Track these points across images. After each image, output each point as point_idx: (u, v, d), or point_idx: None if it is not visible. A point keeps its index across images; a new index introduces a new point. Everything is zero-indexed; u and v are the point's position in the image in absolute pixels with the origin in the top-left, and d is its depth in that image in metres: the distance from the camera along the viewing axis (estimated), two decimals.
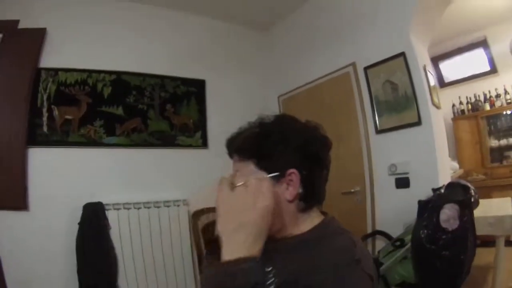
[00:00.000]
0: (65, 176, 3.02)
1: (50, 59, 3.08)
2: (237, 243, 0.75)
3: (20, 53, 2.99)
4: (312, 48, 3.72)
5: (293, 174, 0.87)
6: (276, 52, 4.29)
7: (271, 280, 0.78)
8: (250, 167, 0.90)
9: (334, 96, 3.47)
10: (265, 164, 0.88)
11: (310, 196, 0.92)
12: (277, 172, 0.87)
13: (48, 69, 3.06)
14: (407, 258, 2.18)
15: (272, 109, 4.14)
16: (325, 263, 0.77)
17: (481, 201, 2.49)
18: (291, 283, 0.75)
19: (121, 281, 2.95)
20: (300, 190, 0.88)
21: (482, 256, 3.10)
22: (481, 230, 2.46)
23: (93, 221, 2.89)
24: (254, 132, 0.94)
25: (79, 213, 2.90)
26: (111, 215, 2.98)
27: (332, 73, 3.47)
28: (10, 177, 2.87)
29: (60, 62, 3.12)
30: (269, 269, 0.80)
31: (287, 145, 0.89)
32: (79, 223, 2.88)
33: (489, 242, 2.94)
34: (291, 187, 0.87)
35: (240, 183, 0.83)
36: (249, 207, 0.78)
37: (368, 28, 3.13)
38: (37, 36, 3.04)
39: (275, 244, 0.86)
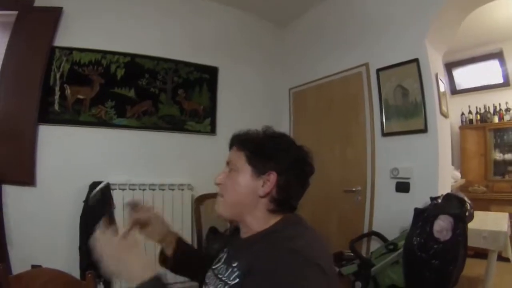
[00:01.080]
0: (73, 155, 3.08)
1: (65, 38, 3.10)
2: None
3: (35, 31, 2.99)
4: (327, 45, 3.73)
5: (272, 175, 1.02)
6: (291, 47, 4.30)
7: (236, 274, 0.94)
8: (241, 158, 1.06)
9: (344, 94, 3.48)
10: (254, 159, 1.04)
11: (282, 202, 1.04)
12: (261, 169, 1.03)
13: (62, 48, 3.09)
14: (399, 263, 2.22)
15: (283, 101, 4.22)
16: (273, 251, 0.86)
17: (478, 213, 2.49)
18: (249, 271, 0.86)
19: None
20: (274, 193, 1.02)
21: (473, 267, 3.12)
22: (474, 242, 2.52)
23: (98, 200, 2.92)
24: (258, 133, 1.12)
25: (85, 192, 2.96)
26: (116, 195, 3.02)
27: (344, 71, 3.48)
28: (19, 152, 2.92)
29: (75, 41, 3.14)
30: (235, 264, 0.97)
31: (278, 153, 1.05)
32: (84, 201, 2.93)
33: (481, 254, 2.96)
34: (266, 185, 1.01)
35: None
36: None
37: (384, 31, 3.12)
38: (53, 15, 3.06)
39: (242, 243, 1.06)
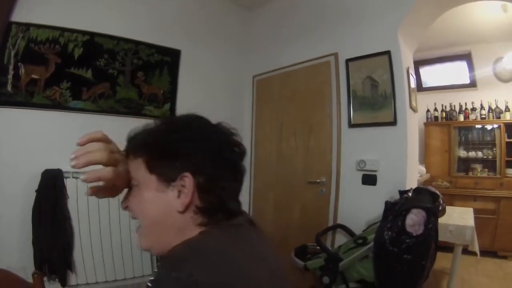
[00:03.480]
0: (25, 140, 2.81)
1: (23, 13, 2.82)
2: None
3: None
4: (296, 32, 3.60)
5: (186, 179, 0.73)
6: (258, 32, 4.13)
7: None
8: (140, 167, 0.77)
9: (311, 83, 3.38)
10: (156, 164, 0.76)
11: (212, 210, 0.77)
12: (168, 175, 0.75)
13: (19, 24, 2.81)
14: (368, 258, 2.15)
15: (246, 89, 4.08)
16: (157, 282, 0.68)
17: None
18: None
19: (77, 253, 2.81)
20: (198, 201, 0.75)
21: (438, 260, 3.13)
22: (441, 236, 2.47)
23: (50, 190, 2.71)
24: (157, 127, 0.81)
25: (37, 180, 2.72)
26: (69, 183, 2.80)
27: (312, 60, 3.37)
28: None
29: (34, 17, 2.86)
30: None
31: (186, 146, 0.76)
32: (36, 191, 2.70)
33: (445, 247, 2.95)
34: (183, 194, 0.74)
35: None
36: None
37: (357, 21, 3.04)
38: None
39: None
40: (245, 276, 0.65)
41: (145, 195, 0.76)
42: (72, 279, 2.79)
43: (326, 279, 2.27)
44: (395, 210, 2.04)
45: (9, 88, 2.78)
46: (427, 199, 2.09)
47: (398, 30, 2.76)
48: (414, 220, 1.92)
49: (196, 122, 0.84)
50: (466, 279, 3.43)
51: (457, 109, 5.10)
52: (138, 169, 0.77)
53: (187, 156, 0.75)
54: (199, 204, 0.74)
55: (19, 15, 2.81)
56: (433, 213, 1.97)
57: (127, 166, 0.80)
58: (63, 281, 2.70)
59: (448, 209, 3.18)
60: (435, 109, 5.28)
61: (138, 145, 0.80)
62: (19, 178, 2.75)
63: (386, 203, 2.15)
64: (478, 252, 2.77)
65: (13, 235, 2.68)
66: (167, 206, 0.74)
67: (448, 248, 2.83)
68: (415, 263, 1.90)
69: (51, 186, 2.71)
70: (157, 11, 3.49)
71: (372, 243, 2.09)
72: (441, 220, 2.28)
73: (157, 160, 0.76)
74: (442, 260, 3.24)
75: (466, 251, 2.75)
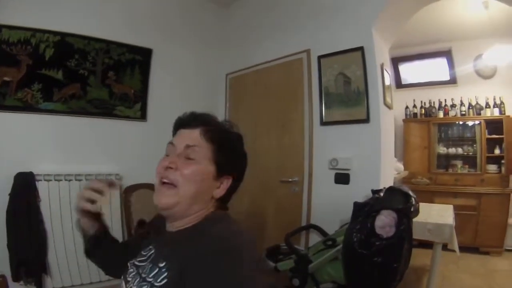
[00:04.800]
0: None
1: None
2: None
3: None
4: (270, 30, 3.42)
5: (230, 180, 0.97)
6: (232, 30, 3.94)
7: (164, 275, 0.82)
8: (208, 152, 0.92)
9: (283, 81, 3.23)
10: (220, 157, 0.93)
11: (225, 202, 0.99)
12: (223, 171, 0.94)
13: None
14: (338, 259, 2.01)
15: (219, 87, 3.91)
16: (205, 251, 0.77)
17: (422, 205, 2.36)
18: (181, 272, 0.78)
19: (51, 256, 2.68)
20: (223, 196, 0.96)
21: (418, 257, 3.05)
22: (419, 235, 2.45)
23: (24, 193, 2.59)
24: (227, 127, 1.01)
25: (10, 183, 2.58)
26: (41, 186, 2.67)
27: (284, 57, 3.20)
28: None
29: (5, 18, 2.72)
30: (163, 264, 0.84)
31: (240, 156, 1.00)
32: (9, 194, 2.57)
33: (425, 244, 2.87)
34: (220, 189, 0.95)
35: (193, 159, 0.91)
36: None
37: (329, 17, 2.88)
38: None
39: (168, 239, 0.93)
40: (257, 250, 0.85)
41: (201, 173, 0.90)
42: (48, 283, 2.67)
43: (296, 281, 2.13)
44: (365, 211, 1.89)
45: None
46: (398, 200, 1.92)
47: (372, 26, 2.61)
48: (384, 221, 1.76)
49: (241, 137, 1.03)
50: (447, 275, 3.31)
51: (437, 105, 4.96)
52: (204, 151, 0.92)
53: (239, 164, 1.00)
54: (223, 197, 0.97)
55: None
56: (405, 214, 1.81)
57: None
58: (39, 284, 2.59)
59: (427, 206, 3.11)
60: (414, 106, 5.13)
61: (212, 130, 0.95)
62: None
63: (355, 204, 2.00)
64: (457, 251, 2.65)
65: None
66: (209, 188, 0.93)
67: (429, 244, 2.70)
68: (386, 265, 1.75)
69: (24, 189, 2.59)
70: (129, 10, 3.31)
71: (341, 245, 1.94)
72: (419, 218, 2.17)
73: (224, 156, 0.93)
74: (422, 257, 3.15)
75: (447, 247, 2.64)
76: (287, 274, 2.19)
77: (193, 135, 0.93)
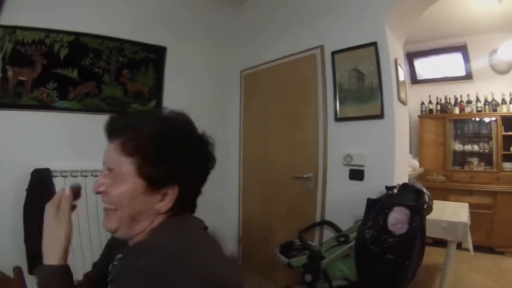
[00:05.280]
0: (14, 140, 2.72)
1: (9, 16, 2.74)
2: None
3: None
4: (282, 26, 3.40)
5: (172, 190, 0.79)
6: (245, 27, 3.92)
7: (110, 277, 0.82)
8: (129, 167, 0.78)
9: (296, 77, 3.19)
10: (147, 170, 0.77)
11: (180, 209, 0.83)
12: (157, 183, 0.78)
13: (6, 27, 2.74)
14: (350, 256, 2.01)
15: (233, 84, 3.89)
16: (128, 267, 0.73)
17: (437, 203, 2.35)
18: (113, 280, 0.78)
19: None
20: (174, 206, 0.81)
21: (432, 255, 3.02)
22: (433, 232, 2.40)
23: (40, 189, 2.62)
24: (151, 129, 0.80)
25: (27, 180, 2.63)
26: (58, 182, 2.71)
27: (298, 53, 3.16)
28: None
29: (20, 19, 2.78)
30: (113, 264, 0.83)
31: (181, 157, 0.79)
32: (26, 190, 2.62)
33: (440, 242, 2.84)
34: (165, 201, 0.80)
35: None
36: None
37: (342, 12, 2.84)
38: None
39: (126, 252, 0.83)
40: (222, 263, 0.74)
41: (128, 192, 0.77)
42: None
43: (308, 277, 2.12)
44: (378, 208, 1.88)
45: None
46: (411, 197, 1.91)
47: (385, 21, 2.56)
48: (396, 218, 1.75)
49: (187, 127, 0.86)
50: (460, 275, 3.25)
51: (452, 101, 4.86)
52: (123, 166, 0.78)
53: (180, 168, 0.79)
54: (174, 208, 0.80)
55: (5, 19, 2.72)
56: (418, 211, 1.79)
57: None
58: None
59: (442, 204, 3.06)
60: (430, 102, 5.03)
61: (129, 144, 0.79)
62: (9, 177, 2.68)
63: (368, 200, 1.99)
64: (471, 250, 2.60)
65: (5, 235, 2.61)
66: (147, 204, 0.78)
67: (443, 243, 2.66)
68: (398, 263, 1.74)
69: (41, 185, 2.63)
70: (142, 9, 3.34)
71: (353, 242, 1.94)
72: (433, 216, 2.16)
73: (149, 167, 0.77)
74: (436, 255, 3.10)
75: (461, 246, 2.59)
76: (300, 270, 2.19)
77: (111, 152, 0.82)
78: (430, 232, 2.19)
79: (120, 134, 0.81)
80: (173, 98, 3.41)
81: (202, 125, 3.16)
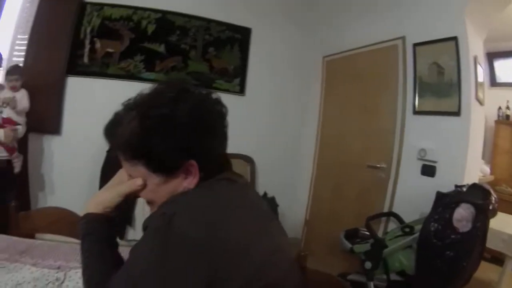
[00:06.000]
0: (99, 106, 2.89)
1: None
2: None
3: None
4: (364, 13, 3.32)
5: (190, 167, 0.73)
6: (327, 12, 3.85)
7: None
8: (141, 170, 0.75)
9: (377, 66, 3.14)
10: (156, 166, 0.73)
11: (210, 173, 0.76)
12: (172, 168, 0.73)
13: (93, 4, 3.04)
14: (412, 248, 2.00)
15: (314, 68, 3.87)
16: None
17: (501, 215, 2.25)
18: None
19: (138, 210, 2.89)
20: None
21: (487, 271, 2.83)
22: (492, 244, 2.27)
23: None
24: (131, 126, 0.72)
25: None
26: None
27: (380, 43, 3.09)
28: (47, 103, 2.94)
29: None
30: None
31: (175, 134, 0.70)
32: (107, 151, 2.82)
33: (498, 260, 2.69)
34: (190, 178, 0.74)
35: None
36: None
37: (424, 3, 2.75)
38: None
39: None
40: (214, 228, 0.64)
41: (154, 189, 0.75)
42: (130, 234, 2.89)
43: (368, 264, 2.14)
44: (445, 202, 1.86)
45: (85, 60, 3.01)
46: (478, 195, 1.87)
47: (465, 14, 2.46)
48: (462, 215, 1.73)
49: (169, 104, 0.72)
50: None
51: None
52: (139, 171, 0.75)
53: (181, 145, 0.71)
54: (203, 176, 0.75)
55: None
56: (483, 210, 1.76)
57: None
58: (121, 235, 2.83)
59: (507, 216, 2.86)
60: (507, 107, 4.61)
61: (128, 151, 0.75)
62: (93, 140, 2.82)
63: (438, 193, 1.97)
64: None
65: (80, 192, 2.81)
66: (176, 188, 0.74)
67: (500, 261, 2.54)
68: (457, 262, 1.72)
69: None
70: None
71: (417, 234, 1.93)
72: (495, 226, 2.08)
73: (154, 161, 0.73)
74: (491, 272, 2.90)
75: None
76: (361, 257, 2.21)
77: (122, 162, 0.79)
78: (490, 243, 2.07)
79: (114, 146, 0.79)
80: (256, 78, 3.56)
81: (283, 104, 3.14)
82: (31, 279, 1.06)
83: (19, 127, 2.58)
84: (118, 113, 0.80)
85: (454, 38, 2.46)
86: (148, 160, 0.72)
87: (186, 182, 0.74)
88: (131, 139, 0.72)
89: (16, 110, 2.56)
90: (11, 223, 1.42)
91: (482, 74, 2.67)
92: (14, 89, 2.59)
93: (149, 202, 0.79)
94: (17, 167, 2.59)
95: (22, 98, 2.61)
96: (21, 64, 2.84)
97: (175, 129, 0.70)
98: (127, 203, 0.89)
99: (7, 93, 2.55)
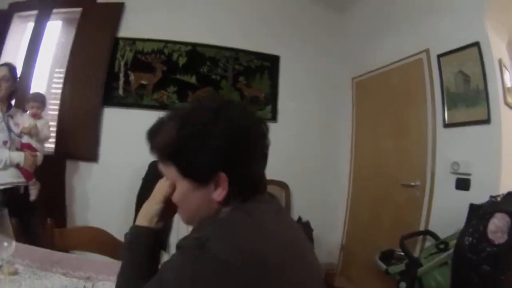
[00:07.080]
0: (135, 135, 3.00)
1: (128, 29, 3.21)
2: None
3: (99, 24, 3.18)
4: (387, 31, 3.33)
5: (220, 178, 0.72)
6: (351, 34, 3.90)
7: None
8: (173, 172, 0.77)
9: (405, 82, 3.10)
10: (187, 171, 0.75)
11: (240, 191, 0.75)
12: (201, 176, 0.74)
13: (125, 39, 3.22)
14: (447, 264, 1.93)
15: (344, 91, 3.88)
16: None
17: None
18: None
19: (173, 237, 2.94)
20: (230, 191, 0.74)
21: None
22: None
23: (155, 179, 2.90)
24: (170, 130, 0.75)
25: (144, 170, 2.96)
26: None
27: (405, 59, 3.06)
28: (85, 132, 3.11)
29: (138, 32, 3.22)
30: None
31: (210, 144, 0.72)
32: (143, 178, 2.95)
33: None
34: (220, 188, 0.73)
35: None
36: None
37: (443, 13, 2.71)
38: (115, 10, 3.21)
39: None
40: (252, 250, 0.64)
41: (183, 193, 0.78)
42: (165, 258, 2.95)
43: (403, 285, 2.09)
44: (479, 214, 1.80)
45: (120, 92, 3.18)
46: None
47: (484, 18, 2.39)
48: (497, 225, 1.66)
49: (210, 114, 0.74)
50: None
51: None
52: (171, 172, 0.77)
53: (215, 156, 0.72)
54: (230, 192, 0.74)
55: (125, 31, 3.22)
56: None
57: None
58: (165, 247, 2.83)
59: None
60: None
61: (164, 152, 0.78)
62: (128, 167, 3.09)
63: (471, 205, 1.92)
64: None
65: (116, 218, 2.86)
66: (204, 197, 0.75)
67: None
68: (494, 276, 1.64)
69: (156, 176, 2.90)
70: (251, 20, 3.61)
71: (452, 249, 1.86)
72: None
73: (188, 167, 0.75)
74: None
75: None
76: (396, 278, 2.18)
77: (160, 166, 0.82)
78: None
79: (152, 146, 0.80)
80: (287, 104, 3.62)
81: (315, 128, 3.52)
82: (60, 287, 1.10)
83: (38, 153, 2.47)
84: (162, 117, 0.82)
85: (476, 44, 2.39)
86: (179, 164, 0.75)
87: (215, 194, 0.73)
88: (167, 141, 0.74)
89: (37, 139, 2.46)
90: (46, 238, 1.45)
91: (508, 75, 2.57)
92: (35, 116, 2.49)
93: (179, 208, 0.83)
94: (32, 194, 2.43)
95: (44, 127, 2.52)
96: (55, 96, 3.07)
97: (211, 139, 0.71)
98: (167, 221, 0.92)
99: (28, 119, 2.46)
